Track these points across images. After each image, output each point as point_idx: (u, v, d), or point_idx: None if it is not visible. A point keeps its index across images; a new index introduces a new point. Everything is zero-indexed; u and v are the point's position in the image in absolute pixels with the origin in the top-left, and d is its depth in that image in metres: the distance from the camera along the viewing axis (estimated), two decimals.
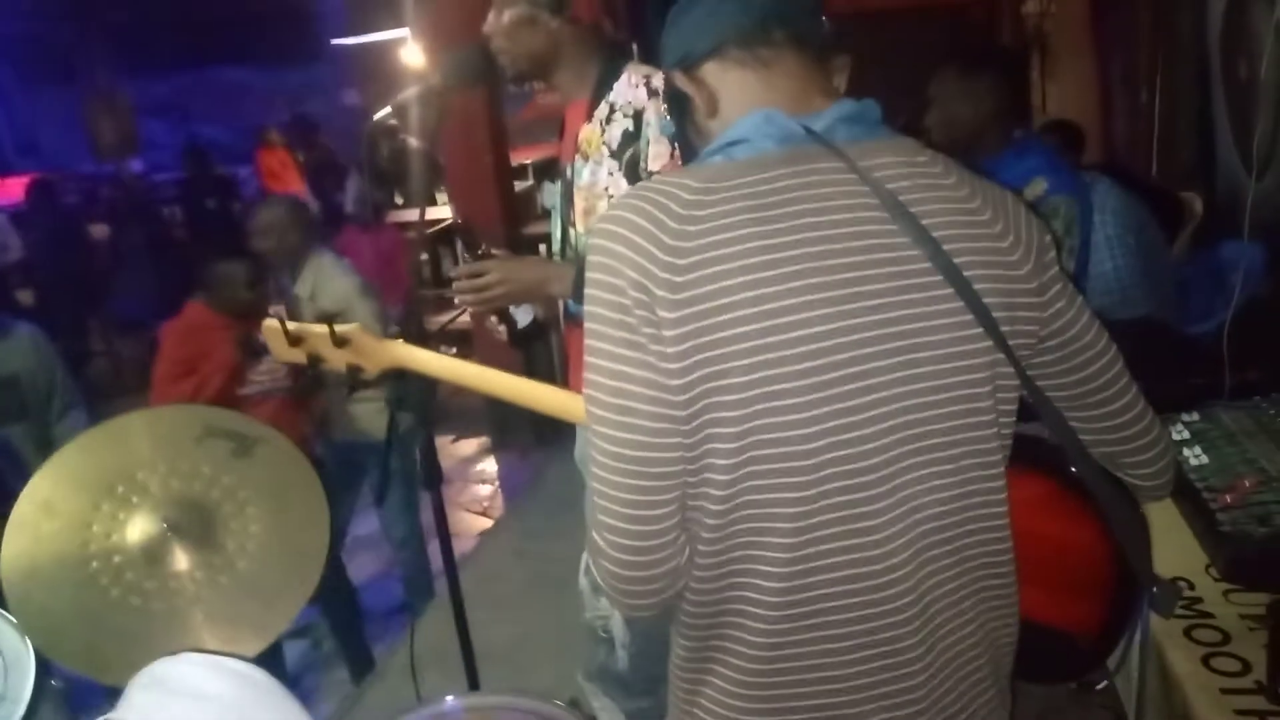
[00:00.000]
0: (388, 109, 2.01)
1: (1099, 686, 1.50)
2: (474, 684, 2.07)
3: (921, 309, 0.94)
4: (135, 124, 9.02)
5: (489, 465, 5.16)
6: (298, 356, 1.70)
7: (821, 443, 0.92)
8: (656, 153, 1.72)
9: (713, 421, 0.91)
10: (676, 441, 0.92)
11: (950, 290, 0.94)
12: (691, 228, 0.91)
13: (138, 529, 1.56)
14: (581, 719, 1.77)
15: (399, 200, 6.68)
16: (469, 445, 5.38)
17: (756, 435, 0.91)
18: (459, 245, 1.92)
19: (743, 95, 1.02)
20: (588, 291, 0.95)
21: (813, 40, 1.03)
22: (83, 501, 1.57)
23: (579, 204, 1.85)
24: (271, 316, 1.72)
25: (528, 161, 8.18)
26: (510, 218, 5.11)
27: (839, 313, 0.92)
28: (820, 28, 1.04)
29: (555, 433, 5.02)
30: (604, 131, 1.78)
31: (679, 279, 0.90)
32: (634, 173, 1.75)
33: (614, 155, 1.77)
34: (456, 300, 1.87)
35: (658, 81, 1.73)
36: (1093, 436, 1.11)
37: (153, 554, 1.55)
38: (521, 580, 3.58)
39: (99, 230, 7.19)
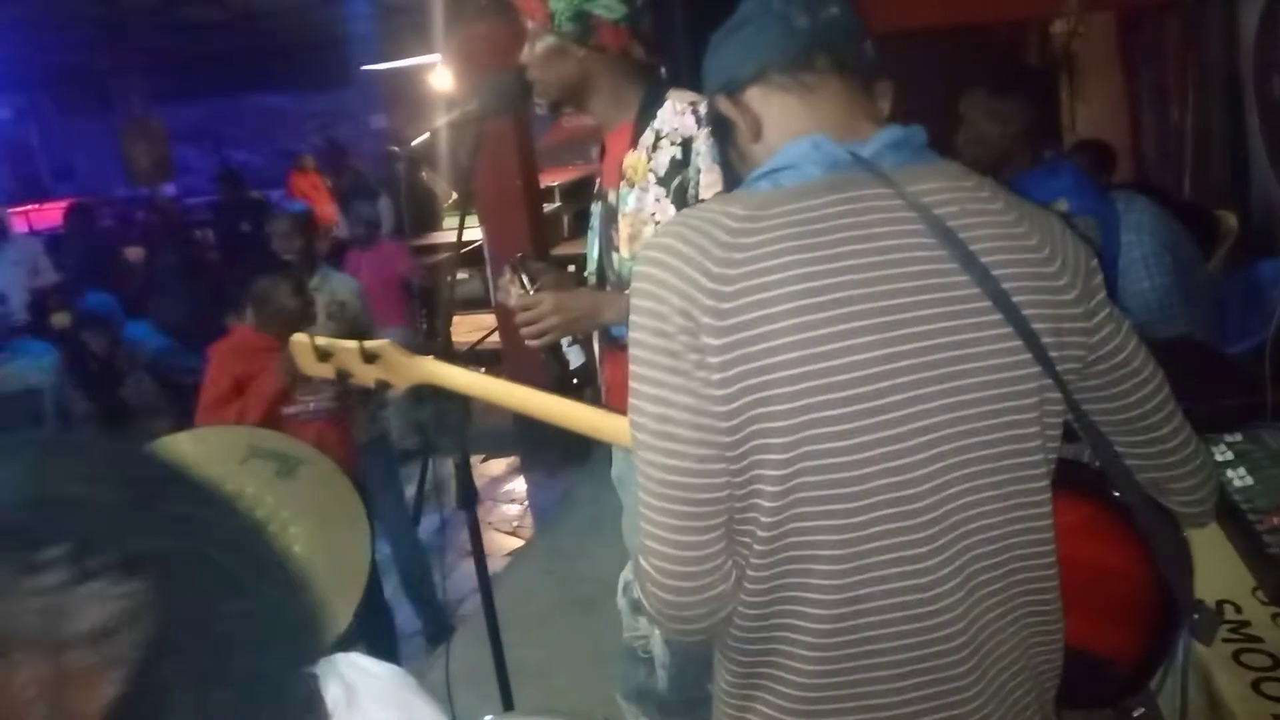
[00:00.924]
0: (426, 134, 2.05)
1: (1137, 714, 1.48)
2: (508, 704, 2.07)
3: (969, 335, 0.94)
4: (170, 150, 9.19)
5: (518, 485, 5.18)
6: (326, 371, 1.70)
7: (869, 470, 0.92)
8: (709, 181, 1.72)
9: (760, 448, 0.92)
10: (721, 468, 0.92)
11: (998, 316, 0.94)
12: (737, 255, 0.92)
13: None
14: None
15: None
16: (498, 465, 5.41)
17: (804, 463, 0.91)
18: (522, 278, 1.90)
19: (786, 120, 1.02)
20: (632, 319, 0.96)
21: (856, 66, 1.03)
22: None
23: (624, 230, 1.86)
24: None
25: (554, 184, 8.25)
26: (540, 240, 5.16)
27: (886, 339, 0.92)
28: (864, 53, 1.05)
29: (584, 453, 5.05)
30: (650, 159, 1.79)
31: (725, 306, 0.90)
32: (683, 200, 1.75)
33: (660, 182, 1.77)
34: (522, 334, 1.86)
35: (705, 110, 1.73)
36: (1137, 461, 1.10)
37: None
38: (552, 600, 3.58)
39: (134, 253, 7.33)
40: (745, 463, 0.92)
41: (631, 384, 0.96)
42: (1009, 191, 1.03)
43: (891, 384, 0.92)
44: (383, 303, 4.45)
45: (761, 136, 1.05)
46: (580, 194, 8.60)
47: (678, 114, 1.77)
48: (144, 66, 10.42)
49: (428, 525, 3.85)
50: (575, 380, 1.91)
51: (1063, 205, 2.29)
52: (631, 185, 1.83)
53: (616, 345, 1.89)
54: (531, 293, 1.85)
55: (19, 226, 8.43)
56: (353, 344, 1.63)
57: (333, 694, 0.75)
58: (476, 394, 1.63)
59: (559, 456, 4.98)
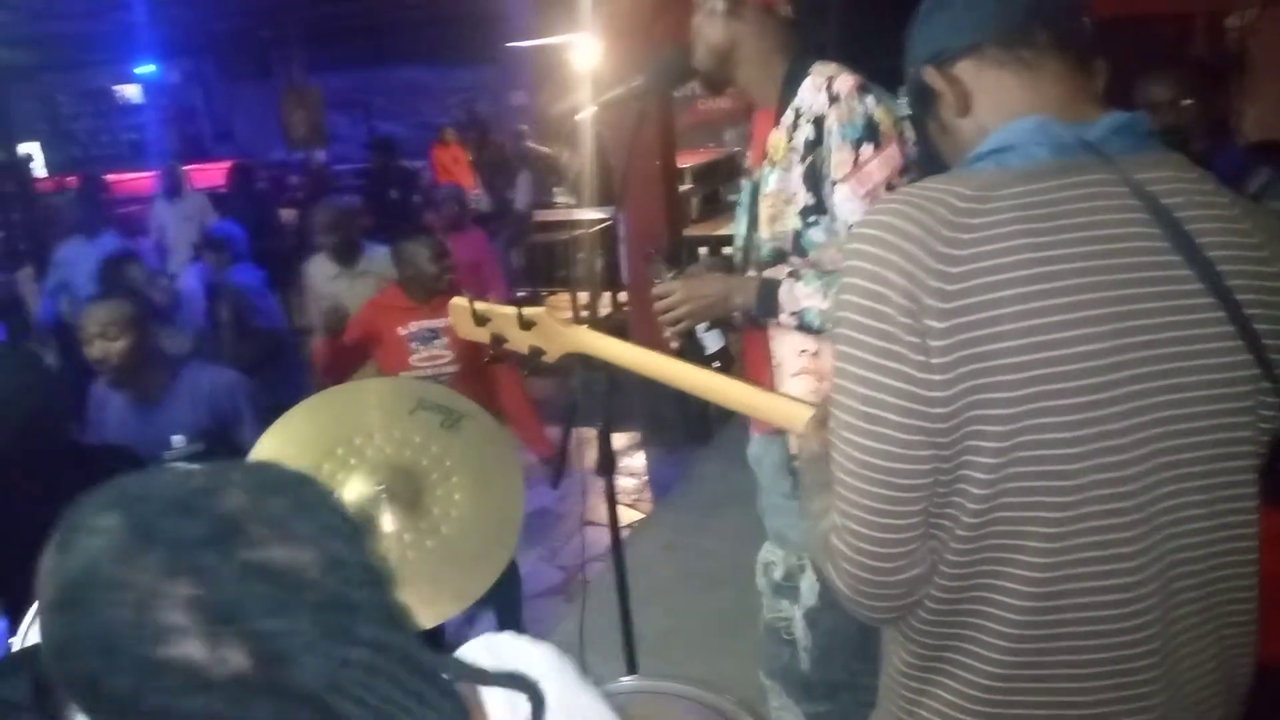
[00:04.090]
0: (592, 108, 2.10)
1: None
2: (632, 669, 2.13)
3: (1189, 331, 0.92)
4: (325, 117, 9.62)
5: (637, 460, 5.25)
6: (481, 336, 1.74)
7: (1084, 464, 0.90)
8: (839, 160, 1.69)
9: (974, 435, 0.90)
10: (929, 455, 0.91)
11: (1220, 314, 0.92)
12: (965, 236, 0.90)
13: (353, 490, 1.68)
14: (750, 716, 1.79)
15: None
16: (618, 439, 5.48)
17: (1019, 452, 0.90)
18: (659, 267, 1.94)
19: (1002, 97, 1.00)
20: (843, 297, 0.95)
21: (1077, 42, 1.00)
22: (306, 462, 1.69)
23: (764, 211, 1.85)
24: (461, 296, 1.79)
25: (686, 166, 8.28)
26: (673, 220, 5.20)
27: (1110, 331, 0.90)
28: (1084, 29, 1.01)
29: (706, 432, 5.07)
30: (790, 138, 1.78)
31: (951, 288, 0.88)
32: (815, 180, 1.74)
33: (801, 160, 1.76)
34: (659, 321, 1.90)
35: (839, 85, 1.71)
36: None
37: (365, 515, 1.66)
38: (671, 574, 3.62)
39: (289, 214, 7.75)
40: (956, 449, 0.91)
41: (838, 363, 0.95)
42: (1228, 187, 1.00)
43: (1114, 378, 0.90)
44: (476, 288, 4.52)
45: (971, 112, 1.02)
46: (710, 177, 8.59)
47: (815, 90, 1.74)
48: (302, 36, 10.91)
49: (556, 490, 3.95)
50: (715, 364, 1.92)
51: (1263, 173, 2.28)
52: (773, 165, 1.82)
53: (756, 325, 1.90)
54: (667, 281, 1.89)
55: None
56: (510, 310, 1.67)
57: (499, 716, 0.74)
58: (627, 365, 1.63)
59: (680, 434, 5.01)
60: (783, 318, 1.77)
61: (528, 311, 1.67)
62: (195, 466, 0.69)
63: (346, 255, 4.00)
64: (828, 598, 1.93)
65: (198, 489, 0.64)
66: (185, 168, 9.58)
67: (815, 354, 1.82)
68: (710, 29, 1.82)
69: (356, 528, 0.69)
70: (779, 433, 1.90)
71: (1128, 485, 0.92)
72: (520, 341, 1.69)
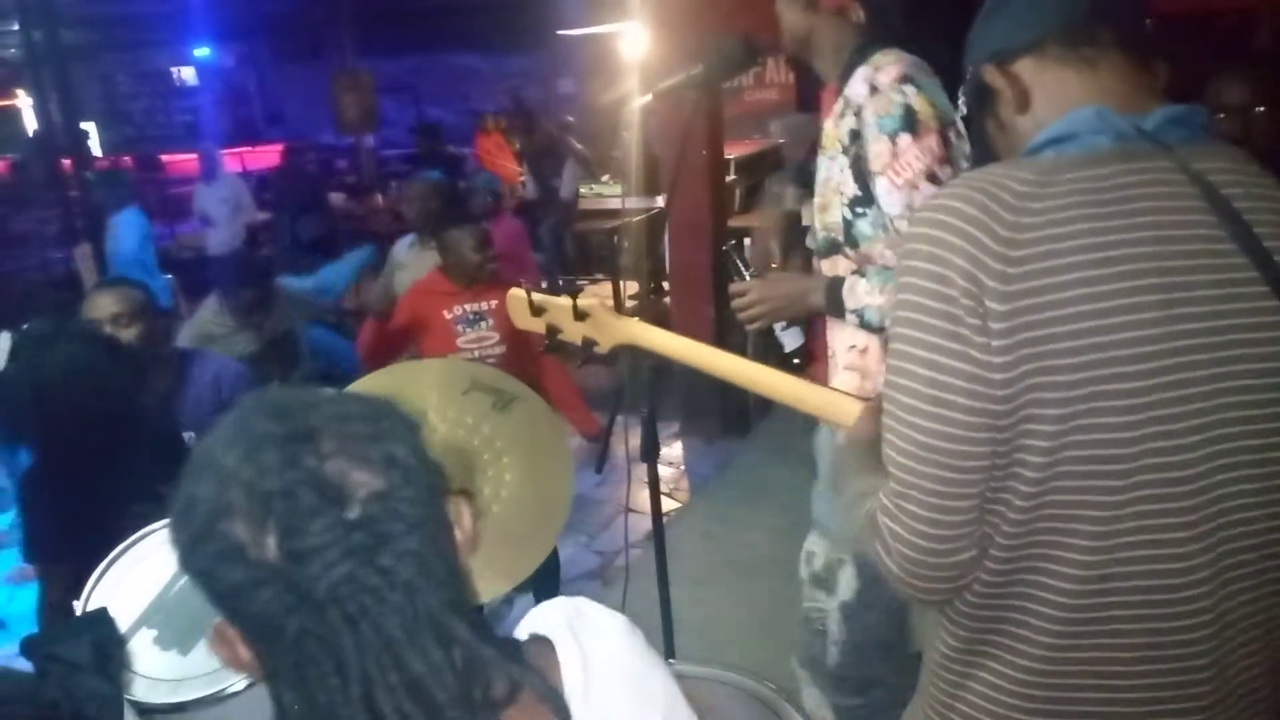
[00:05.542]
0: (648, 96, 2.11)
1: None
2: (670, 653, 2.15)
3: (1244, 320, 0.93)
4: (377, 101, 9.69)
5: (675, 450, 5.26)
6: (537, 326, 1.75)
7: (1138, 448, 0.91)
8: (876, 152, 1.69)
9: (1031, 418, 0.91)
10: (988, 436, 0.91)
11: (1275, 303, 0.92)
12: (1026, 219, 0.91)
13: None
14: (791, 705, 1.80)
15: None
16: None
17: (1075, 435, 0.91)
18: (736, 263, 1.94)
19: (1062, 94, 1.01)
20: (905, 280, 0.95)
21: (1139, 40, 1.01)
22: None
23: (816, 199, 1.85)
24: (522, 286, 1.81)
25: (730, 157, 8.23)
26: (719, 210, 5.18)
27: (1166, 317, 0.91)
28: (1145, 29, 1.02)
29: (744, 425, 5.07)
30: (838, 126, 1.78)
31: (1012, 270, 0.90)
32: (859, 172, 1.73)
33: (844, 152, 1.76)
34: (739, 318, 1.91)
35: (881, 77, 1.69)
36: None
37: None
38: (709, 563, 3.64)
39: (336, 198, 7.86)
40: (1013, 431, 0.91)
41: (897, 345, 0.96)
42: None
43: (1168, 363, 0.91)
44: (511, 274, 4.51)
45: (1030, 109, 1.03)
46: (755, 168, 8.53)
47: (863, 81, 1.73)
48: (353, 20, 11.00)
49: (595, 477, 3.98)
50: (795, 361, 1.91)
51: None
52: (824, 152, 1.83)
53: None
54: (748, 277, 1.89)
55: (235, 167, 9.12)
56: (565, 301, 1.68)
57: (571, 673, 0.78)
58: (679, 357, 1.62)
59: (718, 425, 5.02)
60: (847, 315, 1.77)
61: (583, 303, 1.68)
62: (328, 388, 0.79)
63: (424, 225, 4.00)
64: (866, 596, 1.92)
65: (302, 401, 0.73)
66: (237, 150, 9.77)
67: (864, 351, 1.82)
68: (790, 14, 1.83)
69: (427, 471, 0.75)
70: None
71: (1181, 470, 0.92)
72: (574, 332, 1.70)
